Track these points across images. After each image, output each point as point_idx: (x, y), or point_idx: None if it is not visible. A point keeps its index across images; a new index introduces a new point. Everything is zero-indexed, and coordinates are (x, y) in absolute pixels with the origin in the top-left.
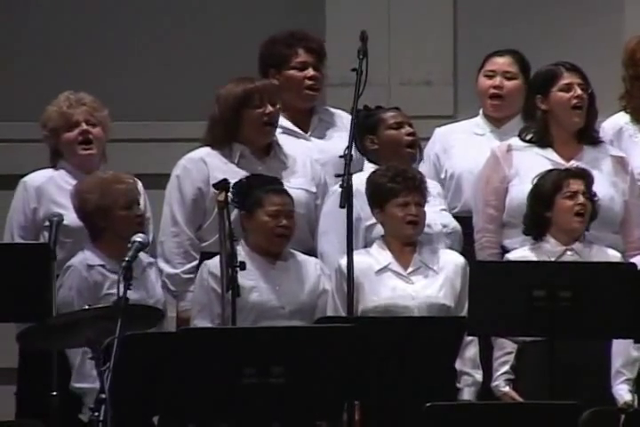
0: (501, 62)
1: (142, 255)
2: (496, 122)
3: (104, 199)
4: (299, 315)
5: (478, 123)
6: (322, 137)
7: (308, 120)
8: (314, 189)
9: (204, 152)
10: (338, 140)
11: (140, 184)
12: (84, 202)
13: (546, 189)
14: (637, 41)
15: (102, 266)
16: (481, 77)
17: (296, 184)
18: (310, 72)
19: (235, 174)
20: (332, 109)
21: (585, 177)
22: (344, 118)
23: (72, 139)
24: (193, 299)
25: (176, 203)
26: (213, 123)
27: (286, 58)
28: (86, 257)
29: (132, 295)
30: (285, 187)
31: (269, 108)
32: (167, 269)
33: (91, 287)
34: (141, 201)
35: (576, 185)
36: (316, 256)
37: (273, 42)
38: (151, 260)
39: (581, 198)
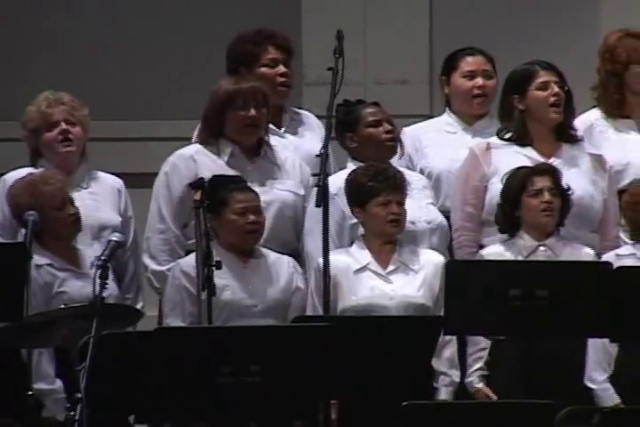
0: (478, 62)
1: (91, 251)
2: (467, 119)
3: (35, 202)
4: (271, 313)
5: (448, 121)
6: (295, 134)
7: (280, 117)
8: (302, 192)
9: (194, 149)
10: (310, 138)
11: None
12: (17, 206)
13: (512, 189)
14: (618, 37)
15: (50, 265)
16: (459, 79)
17: (285, 187)
18: (281, 69)
19: (224, 173)
20: (299, 110)
21: (551, 173)
22: (312, 118)
23: (52, 139)
24: (165, 297)
25: (163, 200)
26: (203, 120)
27: (256, 56)
28: (33, 258)
29: (85, 289)
30: (274, 189)
31: (252, 112)
32: (152, 265)
33: (42, 288)
34: (122, 202)
35: (541, 182)
36: (299, 258)
37: (240, 40)
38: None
39: (547, 196)
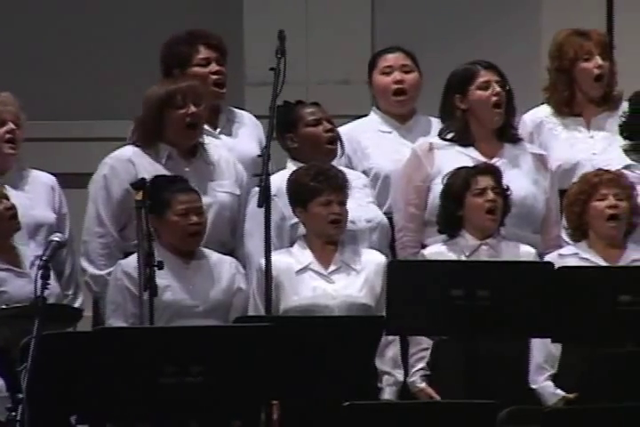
0: (396, 57)
1: (29, 250)
2: (399, 118)
3: None
4: (213, 313)
5: (379, 121)
6: (230, 135)
7: (216, 118)
8: (238, 192)
9: (131, 152)
10: (246, 138)
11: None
12: None
13: (455, 188)
14: (565, 35)
15: None
16: (377, 76)
17: (223, 188)
18: (214, 67)
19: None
20: (236, 110)
21: (493, 172)
22: (250, 119)
23: None
24: (107, 298)
25: (102, 203)
26: (139, 123)
27: (188, 56)
28: None
29: (25, 289)
30: (213, 191)
31: (192, 109)
32: (91, 269)
33: None
34: (56, 199)
35: (484, 182)
36: (237, 258)
37: (172, 42)
38: (39, 253)
39: (491, 195)
